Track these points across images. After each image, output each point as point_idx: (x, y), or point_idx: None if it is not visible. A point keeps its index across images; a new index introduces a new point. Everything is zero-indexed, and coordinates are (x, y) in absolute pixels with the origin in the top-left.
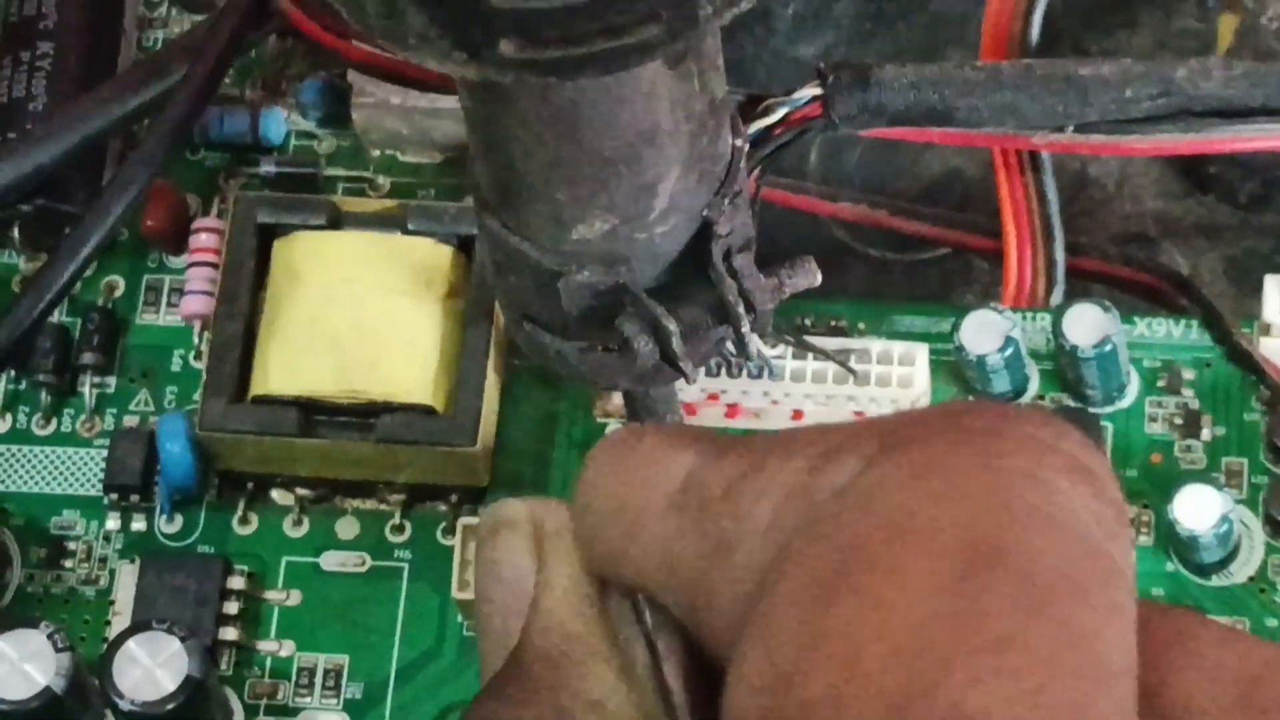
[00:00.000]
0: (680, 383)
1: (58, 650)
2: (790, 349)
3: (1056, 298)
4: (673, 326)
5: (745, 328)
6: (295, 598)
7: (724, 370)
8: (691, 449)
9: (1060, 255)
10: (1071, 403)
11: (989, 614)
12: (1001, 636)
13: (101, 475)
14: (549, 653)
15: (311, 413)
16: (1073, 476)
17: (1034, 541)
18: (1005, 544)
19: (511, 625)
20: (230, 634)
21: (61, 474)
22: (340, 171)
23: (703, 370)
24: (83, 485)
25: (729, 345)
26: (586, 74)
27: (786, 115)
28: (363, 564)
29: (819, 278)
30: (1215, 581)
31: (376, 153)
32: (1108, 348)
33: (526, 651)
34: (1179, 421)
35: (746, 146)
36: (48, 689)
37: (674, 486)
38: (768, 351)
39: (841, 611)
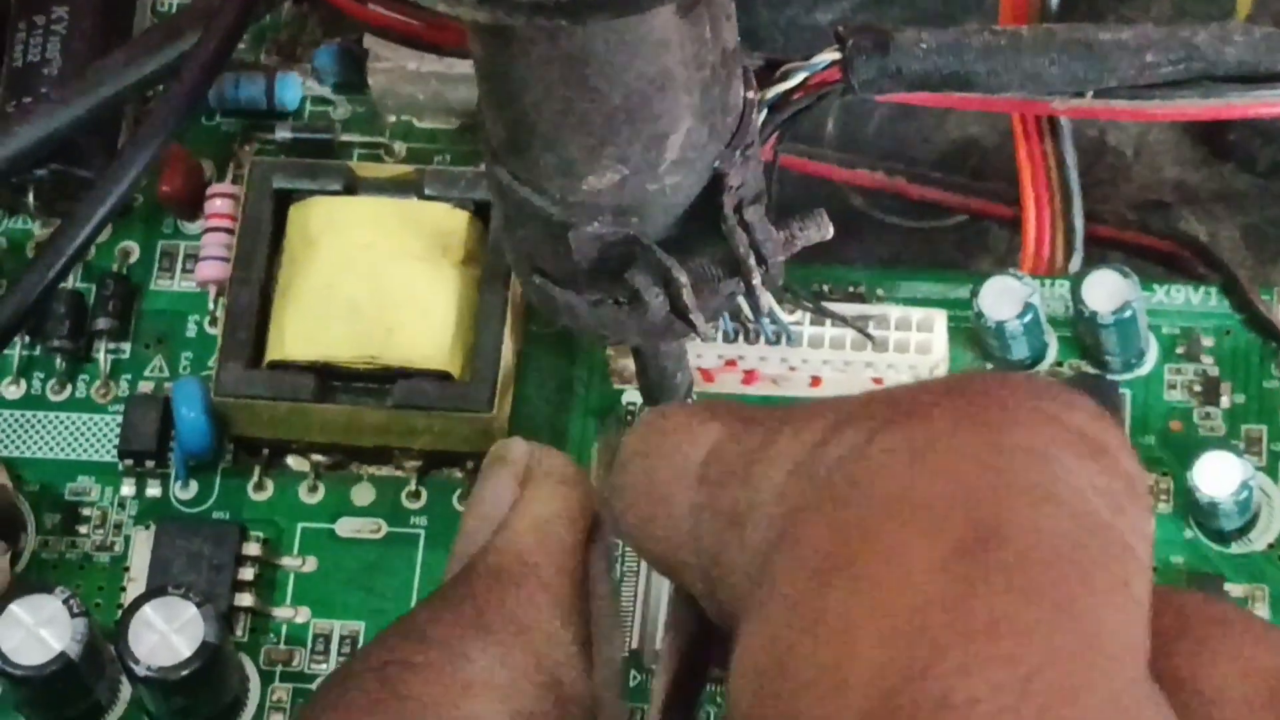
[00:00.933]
0: (698, 349)
1: (73, 616)
2: (808, 315)
3: (1075, 264)
4: (683, 278)
5: (756, 280)
6: (311, 564)
7: (742, 336)
8: (718, 421)
9: (1079, 222)
10: (1090, 369)
11: (984, 596)
12: (995, 620)
13: (116, 441)
14: (496, 571)
15: (327, 378)
16: (1079, 450)
17: (1033, 520)
18: (1003, 523)
19: (477, 553)
20: (246, 600)
21: (76, 440)
22: (356, 137)
23: (720, 336)
24: (97, 451)
25: (740, 300)
26: (597, 17)
27: (805, 80)
28: (378, 530)
29: (830, 230)
30: (1235, 549)
31: (392, 118)
32: (1127, 314)
33: (475, 567)
34: (1198, 389)
35: (759, 99)
36: (63, 654)
37: (700, 458)
38: (785, 318)
39: (836, 594)
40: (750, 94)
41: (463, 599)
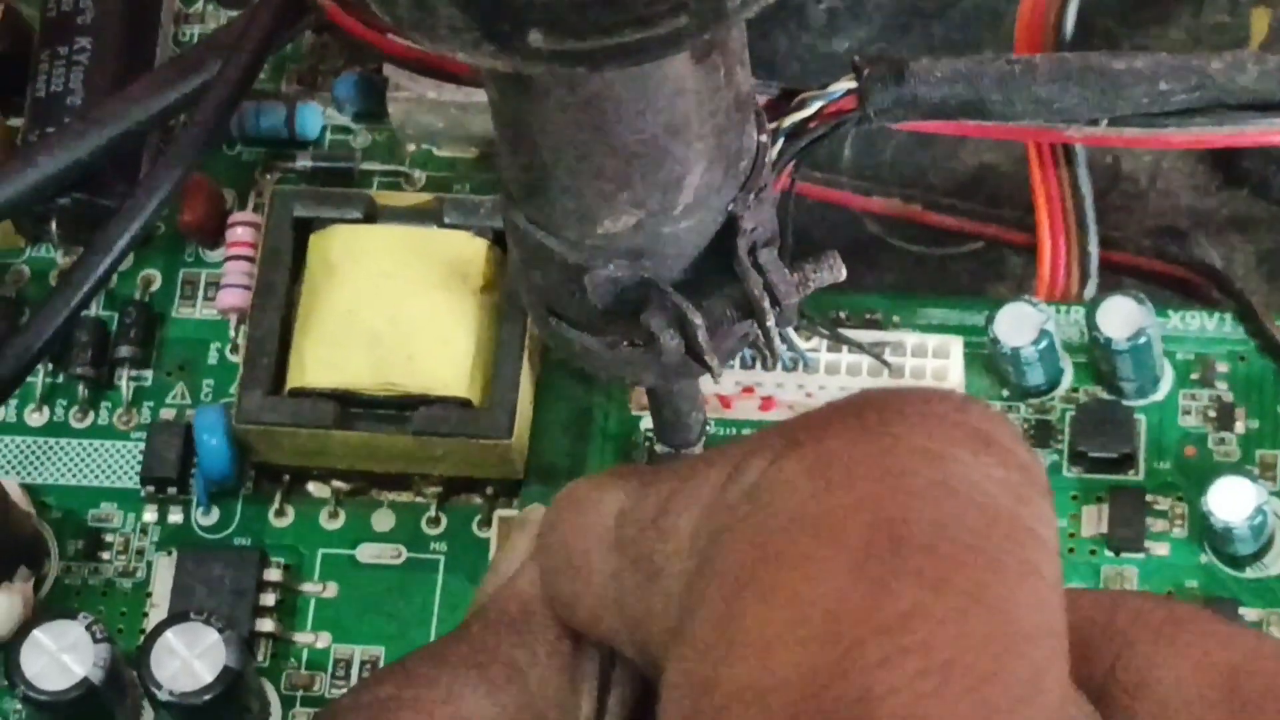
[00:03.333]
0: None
1: (96, 641)
2: (825, 342)
3: (1090, 291)
4: (698, 320)
5: (770, 322)
6: (331, 590)
7: (759, 363)
8: (620, 487)
9: (1094, 248)
10: (1106, 395)
11: (894, 593)
12: (906, 612)
13: (138, 468)
14: (497, 617)
15: (348, 406)
16: (974, 446)
17: (935, 515)
18: (906, 522)
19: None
20: (267, 626)
21: (99, 467)
22: (376, 166)
23: (737, 363)
24: (120, 478)
25: (756, 340)
26: (614, 65)
27: (821, 109)
28: (398, 556)
29: (844, 273)
30: (1249, 573)
31: (412, 147)
32: (1142, 340)
33: (478, 615)
34: (1213, 414)
35: (771, 142)
36: (86, 680)
37: (609, 525)
38: (802, 344)
39: (752, 608)
40: (763, 137)
41: (459, 641)
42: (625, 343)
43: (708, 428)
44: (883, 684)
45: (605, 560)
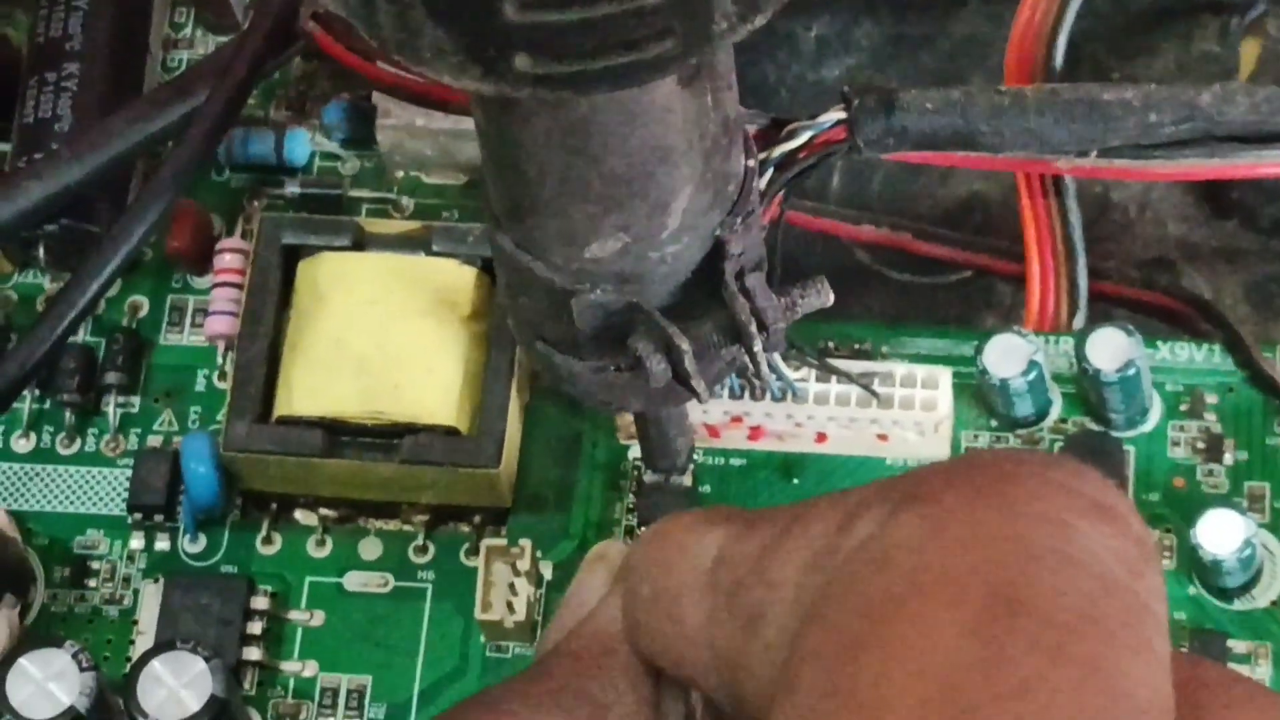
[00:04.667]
0: (703, 405)
1: (82, 670)
2: (814, 372)
3: (1079, 321)
4: (685, 345)
5: (757, 347)
6: (319, 618)
7: (747, 393)
8: (721, 528)
9: (1083, 279)
10: (1094, 426)
11: (1013, 659)
12: (1025, 680)
13: (125, 495)
14: (578, 653)
15: (335, 434)
16: (1092, 517)
17: (1054, 584)
18: (1025, 588)
19: (565, 637)
20: (254, 654)
21: (85, 493)
22: (364, 193)
23: (726, 393)
24: (107, 505)
25: (746, 364)
26: (600, 89)
27: (811, 139)
28: (386, 585)
29: (831, 298)
30: (1238, 605)
31: (401, 174)
32: (1130, 372)
33: (559, 650)
34: (1201, 446)
35: (759, 166)
36: (72, 708)
37: (706, 567)
38: (791, 374)
39: (868, 664)
40: (750, 162)
41: (541, 676)
42: (612, 368)
43: (695, 455)
44: None
45: (700, 602)
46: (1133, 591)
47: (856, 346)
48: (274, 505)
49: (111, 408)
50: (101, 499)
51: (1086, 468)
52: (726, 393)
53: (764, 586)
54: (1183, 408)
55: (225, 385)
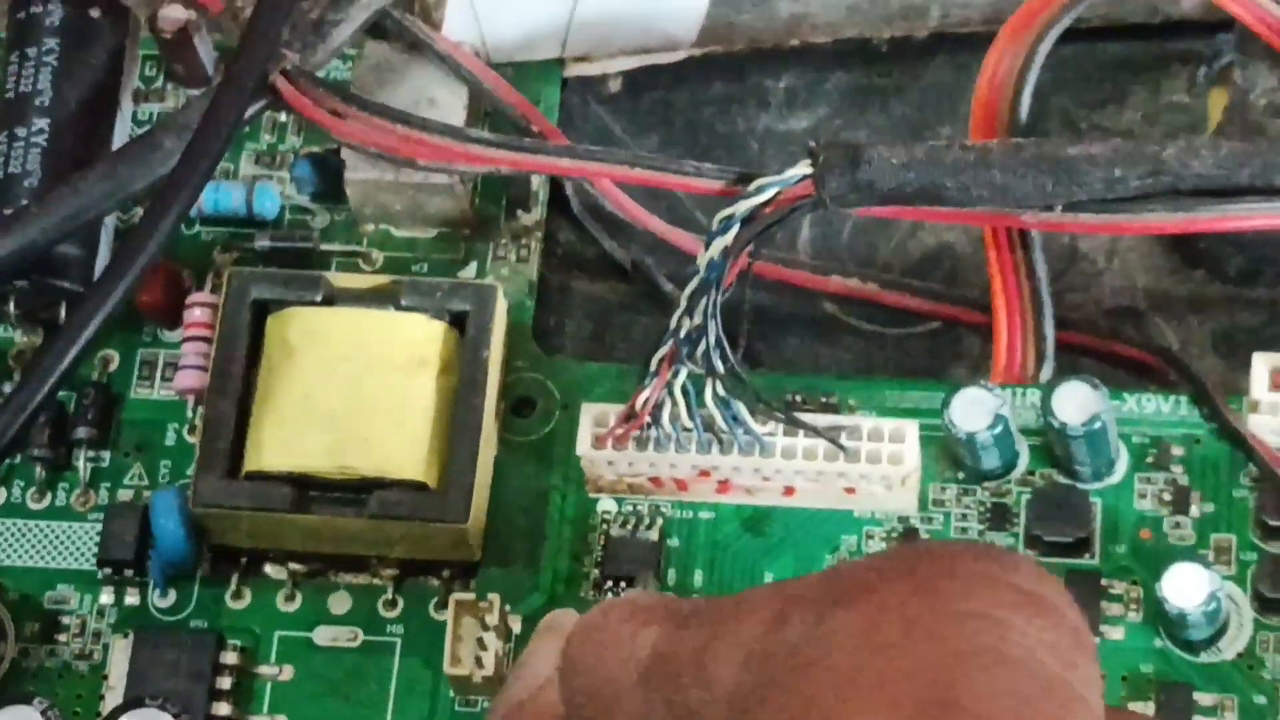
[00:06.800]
0: (672, 459)
1: None
2: (781, 426)
3: (1046, 373)
4: None
5: None
6: (288, 672)
7: (716, 447)
8: (656, 623)
9: (1050, 331)
10: (1061, 479)
11: None
12: None
13: (95, 549)
14: None
15: (305, 489)
16: (1026, 610)
17: (988, 683)
18: (959, 690)
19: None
20: (223, 709)
21: (55, 548)
22: (335, 246)
23: (694, 446)
24: (77, 559)
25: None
26: None
27: (777, 194)
28: (355, 639)
29: None
30: (1204, 658)
31: (371, 227)
32: (1097, 425)
33: None
34: (1168, 498)
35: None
36: None
37: (643, 663)
38: (759, 428)
39: None
40: None
41: None
42: None
43: (663, 509)
44: None
45: (633, 695)
46: (1067, 684)
47: (824, 400)
48: (243, 560)
49: (82, 462)
50: (71, 554)
51: (1020, 556)
52: (694, 446)
53: (699, 687)
54: (1149, 460)
55: (195, 440)
